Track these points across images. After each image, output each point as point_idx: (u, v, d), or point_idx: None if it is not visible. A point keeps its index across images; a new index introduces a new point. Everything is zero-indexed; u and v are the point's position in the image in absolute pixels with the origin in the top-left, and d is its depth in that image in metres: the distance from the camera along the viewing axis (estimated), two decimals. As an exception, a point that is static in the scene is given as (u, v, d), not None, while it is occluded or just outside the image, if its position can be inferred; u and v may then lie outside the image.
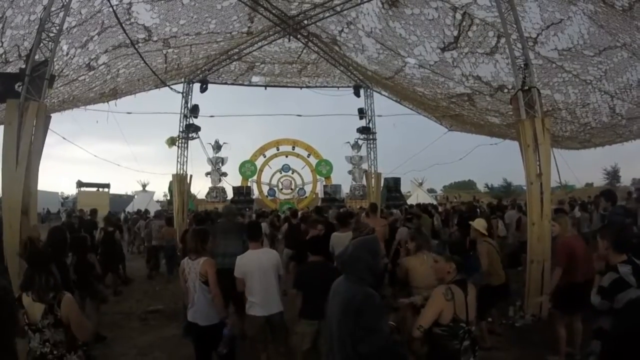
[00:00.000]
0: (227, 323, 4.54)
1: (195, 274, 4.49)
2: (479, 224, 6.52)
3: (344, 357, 2.97)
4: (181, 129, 18.21)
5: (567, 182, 21.18)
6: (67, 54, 9.04)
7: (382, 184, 22.09)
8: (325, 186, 32.84)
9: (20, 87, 6.26)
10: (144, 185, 37.40)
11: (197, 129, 18.49)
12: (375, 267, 3.06)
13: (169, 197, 32.73)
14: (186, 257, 4.71)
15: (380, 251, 3.29)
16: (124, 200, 35.62)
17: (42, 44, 6.58)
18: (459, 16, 9.82)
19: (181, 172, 17.80)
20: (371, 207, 9.09)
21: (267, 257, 4.97)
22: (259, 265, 4.84)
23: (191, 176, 17.99)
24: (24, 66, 6.61)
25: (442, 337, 3.29)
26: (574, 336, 5.55)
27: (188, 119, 18.23)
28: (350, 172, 30.99)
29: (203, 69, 17.29)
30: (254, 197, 31.68)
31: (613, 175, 57.67)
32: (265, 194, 33.23)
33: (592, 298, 3.78)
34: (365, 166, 25.21)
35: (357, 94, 19.85)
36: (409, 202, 28.16)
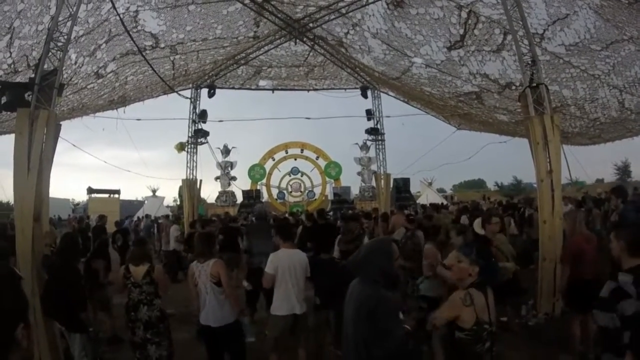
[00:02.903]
0: (244, 315, 4.66)
1: (205, 276, 4.59)
2: (478, 223, 6.66)
3: (357, 357, 2.96)
4: (190, 134, 18.35)
5: (577, 178, 20.97)
6: (76, 62, 9.14)
7: (391, 185, 22.06)
8: (334, 188, 32.77)
9: (30, 96, 6.32)
10: (153, 191, 37.56)
11: (205, 133, 18.61)
12: (389, 269, 3.05)
13: (179, 202, 32.92)
14: (195, 261, 4.82)
15: (394, 253, 3.26)
16: (134, 205, 35.73)
17: (50, 54, 6.65)
18: (464, 14, 9.79)
19: (191, 177, 17.93)
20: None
21: (299, 257, 5.08)
22: (290, 264, 4.95)
23: (201, 181, 18.13)
24: (33, 75, 6.68)
25: (465, 341, 3.18)
26: (587, 335, 5.50)
27: (197, 124, 18.35)
28: (359, 173, 30.90)
29: (210, 75, 17.41)
30: (263, 200, 31.70)
31: (624, 170, 56.84)
32: (275, 197, 33.25)
33: (594, 315, 3.53)
34: (374, 167, 25.18)
35: (365, 96, 19.86)
36: (419, 202, 28.04)
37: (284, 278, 4.91)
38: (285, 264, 4.93)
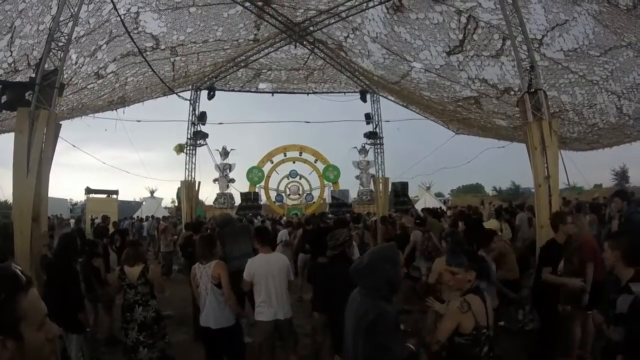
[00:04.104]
0: (243, 316, 4.67)
1: (207, 277, 4.64)
2: (492, 224, 6.69)
3: None
4: (189, 136, 18.34)
5: (575, 183, 20.98)
6: (76, 62, 9.15)
7: (389, 189, 22.08)
8: (333, 191, 32.84)
9: (31, 95, 6.34)
10: (152, 192, 37.57)
11: (204, 135, 18.61)
12: (395, 278, 2.89)
13: (177, 204, 32.95)
14: (197, 263, 4.86)
15: (400, 260, 3.15)
16: (132, 206, 35.70)
17: (51, 53, 6.67)
18: (463, 19, 9.83)
19: (189, 178, 17.91)
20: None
21: (277, 261, 4.99)
22: (268, 269, 4.86)
23: (199, 183, 18.09)
24: (33, 75, 6.70)
25: (465, 345, 3.22)
26: (586, 338, 5.52)
27: (196, 126, 18.36)
28: (357, 177, 30.99)
29: (210, 77, 17.42)
30: (261, 203, 31.74)
31: (622, 175, 57.06)
32: (273, 199, 33.30)
33: (612, 334, 3.34)
34: (372, 171, 25.23)
35: (364, 99, 19.88)
36: (417, 206, 28.06)
37: (262, 284, 4.84)
38: (262, 269, 4.86)
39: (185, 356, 6.20)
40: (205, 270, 4.68)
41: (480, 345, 3.23)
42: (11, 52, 7.91)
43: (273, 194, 33.45)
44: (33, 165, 6.10)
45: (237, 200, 30.83)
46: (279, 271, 4.90)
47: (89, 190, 21.38)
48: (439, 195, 48.89)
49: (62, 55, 6.78)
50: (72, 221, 19.11)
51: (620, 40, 8.80)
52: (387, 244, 3.53)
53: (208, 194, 32.01)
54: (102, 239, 8.22)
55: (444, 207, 26.77)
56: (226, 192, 31.04)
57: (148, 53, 10.90)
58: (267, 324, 4.87)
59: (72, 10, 6.84)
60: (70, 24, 6.88)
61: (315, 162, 33.47)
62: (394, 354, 2.79)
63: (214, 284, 4.60)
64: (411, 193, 31.45)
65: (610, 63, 9.51)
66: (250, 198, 30.20)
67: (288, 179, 33.71)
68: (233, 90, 19.14)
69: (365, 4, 11.14)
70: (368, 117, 21.13)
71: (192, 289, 4.97)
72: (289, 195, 33.65)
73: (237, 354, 4.81)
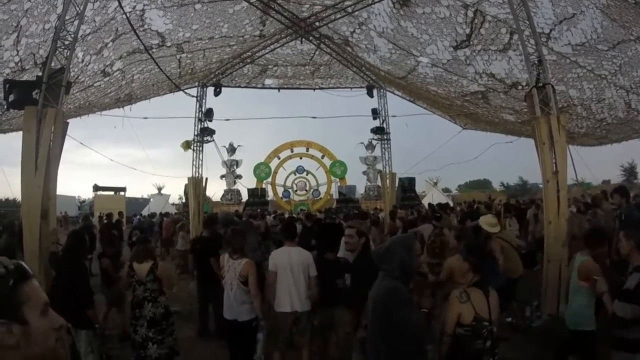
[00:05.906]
0: (261, 325, 4.79)
1: (234, 272, 4.75)
2: (485, 220, 6.44)
3: (375, 349, 3.07)
4: (196, 133, 18.35)
5: (583, 179, 20.85)
6: (83, 60, 9.19)
7: (396, 184, 22.02)
8: (340, 187, 32.80)
9: (38, 94, 6.37)
10: (159, 189, 37.75)
11: (211, 132, 18.60)
12: (409, 264, 3.13)
13: (184, 200, 33.13)
14: (226, 254, 4.98)
15: (416, 249, 3.39)
16: (140, 203, 35.95)
17: (57, 52, 6.70)
18: (470, 14, 9.76)
19: (196, 175, 17.92)
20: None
21: (299, 255, 5.07)
22: (288, 261, 4.97)
23: (206, 179, 18.10)
24: (40, 74, 6.73)
25: (465, 337, 3.31)
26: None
27: (203, 123, 18.37)
28: (364, 172, 30.95)
29: (216, 73, 17.41)
30: (269, 199, 31.78)
31: (630, 171, 56.50)
32: (280, 195, 33.31)
33: (617, 308, 3.46)
34: (379, 166, 25.18)
35: (371, 95, 19.78)
36: (424, 202, 27.99)
37: (282, 275, 4.96)
38: (284, 261, 4.98)
39: (191, 352, 6.24)
40: (233, 266, 4.79)
41: (482, 338, 3.31)
42: (17, 51, 7.95)
43: (280, 190, 33.44)
44: (41, 163, 6.14)
45: (245, 196, 30.91)
46: (299, 265, 4.98)
47: (97, 188, 21.54)
48: (446, 190, 48.81)
49: (68, 53, 6.81)
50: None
51: (628, 34, 8.71)
52: (407, 233, 3.74)
53: (215, 190, 32.13)
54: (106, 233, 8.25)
55: (451, 203, 26.70)
56: (233, 188, 31.15)
57: (154, 50, 10.92)
58: (284, 315, 4.98)
59: (78, 9, 6.86)
60: (76, 23, 6.90)
61: (322, 157, 33.42)
62: (405, 327, 2.97)
63: (241, 281, 4.72)
64: (418, 188, 31.38)
65: (619, 57, 9.42)
66: (257, 194, 30.25)
67: (295, 174, 33.66)
68: (239, 87, 19.13)
69: (371, -1, 11.10)
70: (375, 113, 21.01)
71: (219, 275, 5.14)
72: (296, 191, 33.62)
73: (250, 347, 4.91)
